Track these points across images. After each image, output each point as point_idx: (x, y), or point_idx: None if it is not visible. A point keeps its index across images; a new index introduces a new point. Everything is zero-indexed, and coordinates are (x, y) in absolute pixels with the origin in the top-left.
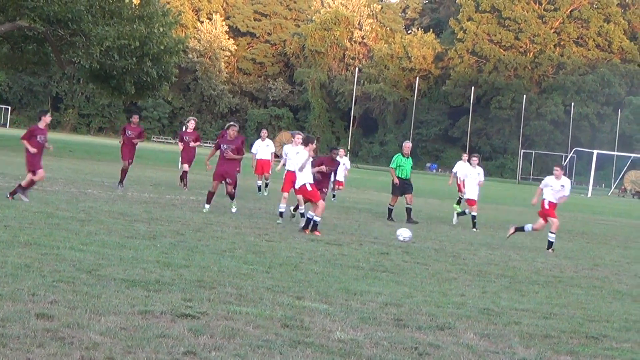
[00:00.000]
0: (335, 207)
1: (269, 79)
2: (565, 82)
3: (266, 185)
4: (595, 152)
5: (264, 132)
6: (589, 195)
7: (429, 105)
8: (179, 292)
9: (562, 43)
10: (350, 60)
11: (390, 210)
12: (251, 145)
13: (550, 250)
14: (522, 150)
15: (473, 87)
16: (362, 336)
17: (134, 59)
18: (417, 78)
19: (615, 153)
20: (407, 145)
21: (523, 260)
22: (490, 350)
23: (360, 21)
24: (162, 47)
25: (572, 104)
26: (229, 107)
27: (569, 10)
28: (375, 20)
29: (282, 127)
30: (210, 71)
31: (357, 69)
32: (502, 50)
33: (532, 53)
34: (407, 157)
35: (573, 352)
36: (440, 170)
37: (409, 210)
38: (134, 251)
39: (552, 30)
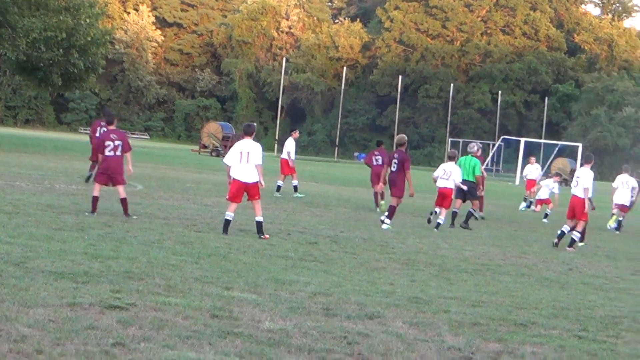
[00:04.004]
0: (263, 197)
1: (197, 70)
2: (492, 70)
3: None
4: (522, 140)
5: None
6: (517, 183)
7: (356, 94)
8: (108, 283)
9: (488, 31)
10: (278, 50)
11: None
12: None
13: None
14: (450, 139)
15: (400, 76)
16: (291, 326)
17: (61, 50)
18: (345, 67)
19: (543, 141)
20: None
21: (451, 248)
22: (419, 339)
23: (287, 11)
24: (88, 39)
25: (500, 92)
26: (156, 98)
27: None
28: (302, 10)
29: (209, 118)
30: (138, 62)
31: (284, 59)
32: (429, 39)
33: (459, 42)
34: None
35: (502, 339)
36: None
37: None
38: (62, 243)
39: (479, 19)
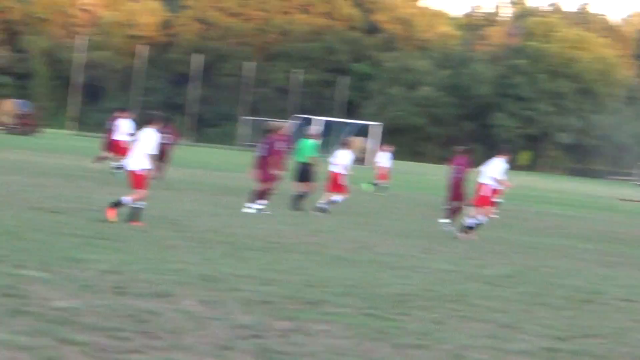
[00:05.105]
0: (55, 174)
1: None
2: (291, 49)
3: None
4: (317, 118)
5: None
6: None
7: (155, 72)
8: None
9: (287, 11)
10: (76, 28)
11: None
12: None
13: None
14: (246, 118)
15: (199, 55)
16: (82, 304)
17: None
18: (144, 45)
19: (341, 120)
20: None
21: (244, 226)
22: (209, 317)
23: None
24: None
25: (298, 71)
26: None
27: None
28: None
29: (4, 96)
30: None
31: (82, 36)
32: (228, 18)
33: (258, 20)
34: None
35: (292, 317)
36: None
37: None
38: None
39: None
